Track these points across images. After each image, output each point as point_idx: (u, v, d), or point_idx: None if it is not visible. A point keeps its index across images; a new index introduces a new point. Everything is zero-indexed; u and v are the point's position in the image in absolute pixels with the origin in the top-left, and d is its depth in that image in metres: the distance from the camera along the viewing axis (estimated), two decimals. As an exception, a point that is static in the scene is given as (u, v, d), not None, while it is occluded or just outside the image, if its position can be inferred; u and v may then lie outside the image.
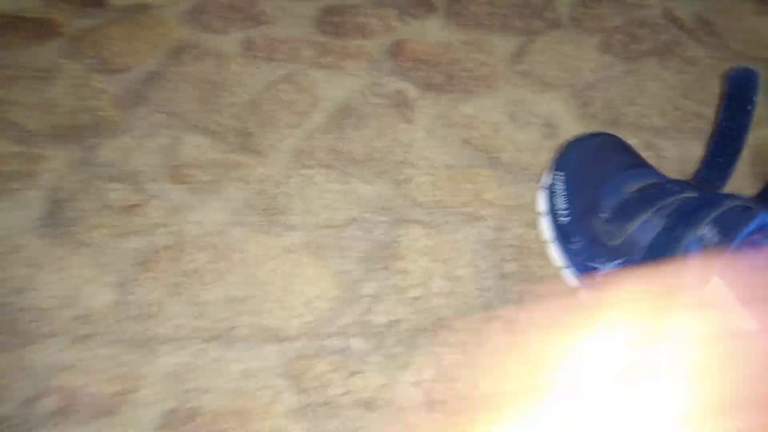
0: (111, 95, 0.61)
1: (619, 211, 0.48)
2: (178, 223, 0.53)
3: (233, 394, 0.46)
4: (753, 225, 0.41)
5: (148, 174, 0.56)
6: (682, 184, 0.49)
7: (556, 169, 0.55)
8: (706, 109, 0.65)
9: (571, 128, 0.64)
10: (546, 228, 0.54)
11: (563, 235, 0.52)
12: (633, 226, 0.46)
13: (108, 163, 0.57)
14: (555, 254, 0.53)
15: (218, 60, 0.66)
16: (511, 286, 0.52)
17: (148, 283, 0.50)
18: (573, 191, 0.52)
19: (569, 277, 0.52)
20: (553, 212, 0.53)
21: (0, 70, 0.62)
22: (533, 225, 0.56)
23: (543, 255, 0.54)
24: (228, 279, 0.51)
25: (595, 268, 0.48)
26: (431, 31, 0.70)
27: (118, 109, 0.61)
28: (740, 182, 0.55)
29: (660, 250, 0.44)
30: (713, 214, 0.43)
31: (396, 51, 0.68)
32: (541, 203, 0.56)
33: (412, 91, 0.65)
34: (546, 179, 0.56)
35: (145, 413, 0.45)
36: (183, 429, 0.44)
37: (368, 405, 0.46)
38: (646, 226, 0.46)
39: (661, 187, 0.49)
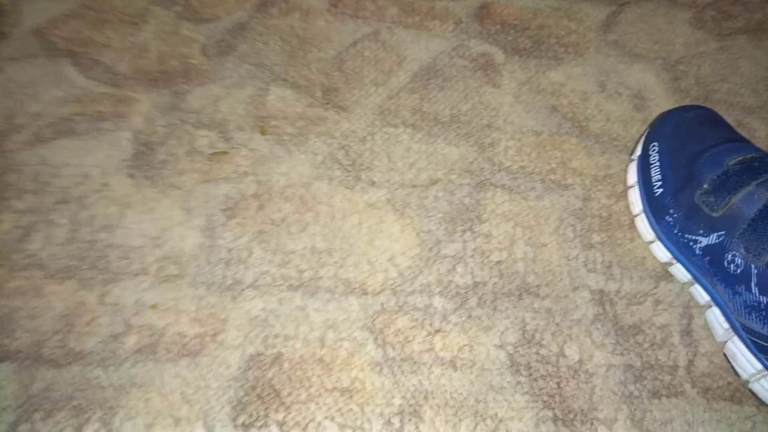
0: (200, 44, 0.62)
1: (720, 183, 0.47)
2: (265, 172, 0.54)
3: (316, 343, 0.46)
4: None
5: (236, 123, 0.56)
6: (784, 159, 0.47)
7: (650, 141, 0.53)
8: (803, 90, 0.63)
9: (662, 102, 0.62)
10: (636, 200, 0.53)
11: (657, 207, 0.50)
12: (735, 199, 0.45)
13: (196, 110, 0.57)
14: (644, 227, 0.52)
15: (305, 15, 0.65)
16: (598, 257, 0.51)
17: (235, 229, 0.51)
18: (668, 163, 0.51)
19: (659, 250, 0.51)
20: (645, 184, 0.52)
21: (92, 13, 0.63)
22: (621, 196, 0.55)
23: (631, 227, 0.53)
24: (313, 230, 0.51)
25: (694, 240, 0.46)
26: (519, -4, 0.69)
27: (207, 57, 0.61)
28: None
29: (766, 222, 0.42)
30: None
31: (483, 14, 0.67)
32: (632, 175, 0.54)
33: (499, 55, 0.64)
34: (638, 150, 0.55)
35: (229, 355, 0.45)
36: (267, 373, 0.45)
37: (451, 364, 0.46)
38: (749, 199, 0.44)
39: (763, 161, 0.47)
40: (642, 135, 0.56)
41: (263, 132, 0.56)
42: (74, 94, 0.57)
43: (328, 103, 0.59)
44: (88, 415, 0.42)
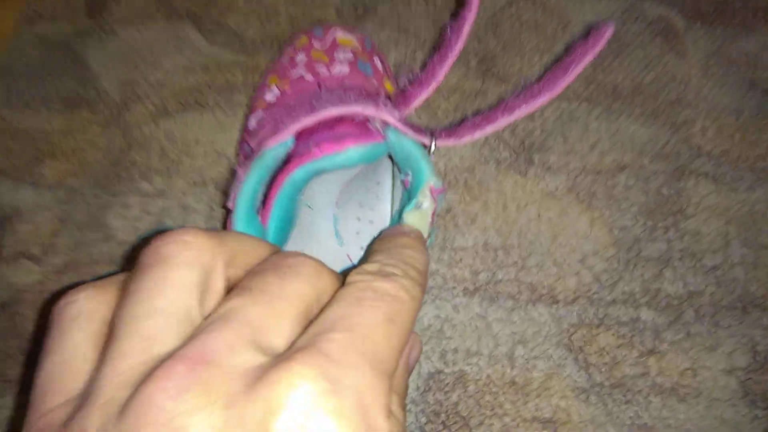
0: (334, 6, 0.54)
1: None
2: (424, 153, 0.45)
3: (504, 361, 0.38)
4: None
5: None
6: None
7: None
8: None
9: None
10: None
11: None
12: None
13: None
14: None
15: (449, -28, 0.57)
16: (835, 263, 0.42)
17: (399, 221, 0.43)
18: None
19: None
20: None
21: (212, -29, 0.55)
22: None
23: None
24: (484, 223, 0.43)
25: None
26: (693, -48, 0.59)
27: (345, 21, 0.53)
28: None
29: None
30: None
31: (654, -28, 0.57)
32: None
33: (678, 20, 0.54)
34: None
35: (401, 372, 0.38)
36: (450, 396, 0.37)
37: (672, 392, 0.37)
38: None
39: None
40: None
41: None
42: (199, 61, 0.50)
43: (485, 73, 0.50)
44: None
